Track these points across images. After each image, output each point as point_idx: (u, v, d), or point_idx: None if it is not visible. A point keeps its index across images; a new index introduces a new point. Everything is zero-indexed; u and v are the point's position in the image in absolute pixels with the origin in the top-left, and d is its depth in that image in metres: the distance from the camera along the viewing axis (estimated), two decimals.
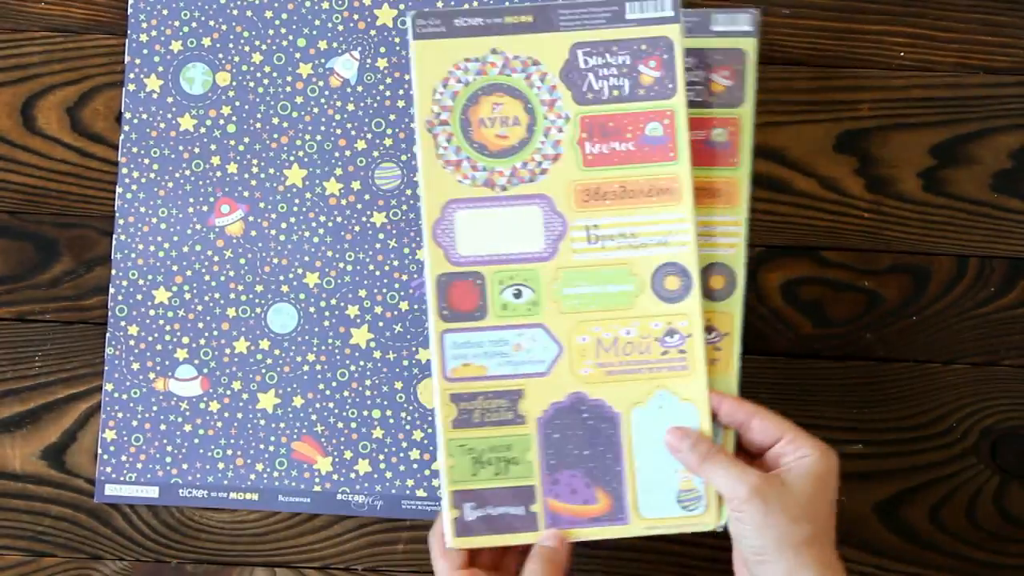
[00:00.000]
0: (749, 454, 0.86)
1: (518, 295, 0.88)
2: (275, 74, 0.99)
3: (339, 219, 0.98)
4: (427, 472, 0.96)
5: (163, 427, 0.97)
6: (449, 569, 0.86)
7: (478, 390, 0.88)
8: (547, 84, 0.88)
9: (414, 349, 0.96)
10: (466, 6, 0.99)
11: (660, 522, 0.88)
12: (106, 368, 0.96)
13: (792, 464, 0.83)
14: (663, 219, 0.88)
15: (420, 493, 0.96)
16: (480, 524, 0.87)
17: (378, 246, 0.98)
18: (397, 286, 0.98)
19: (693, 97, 0.89)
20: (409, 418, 0.96)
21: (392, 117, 0.99)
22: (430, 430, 0.96)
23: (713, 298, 0.89)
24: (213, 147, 0.98)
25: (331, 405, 0.97)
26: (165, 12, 0.99)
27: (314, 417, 0.97)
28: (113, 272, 0.97)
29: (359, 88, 0.99)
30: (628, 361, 0.88)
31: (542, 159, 0.88)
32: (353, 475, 0.97)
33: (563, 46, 0.89)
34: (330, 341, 0.98)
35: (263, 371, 0.97)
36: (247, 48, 0.99)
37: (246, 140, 0.98)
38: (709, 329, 0.88)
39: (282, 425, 0.97)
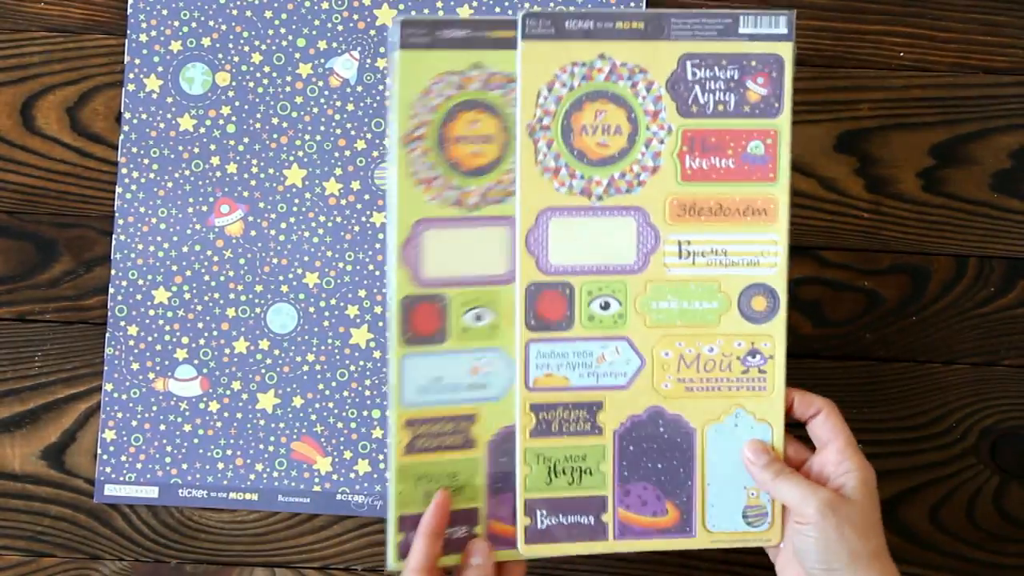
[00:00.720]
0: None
1: (606, 307, 0.87)
2: (275, 74, 0.99)
3: (339, 219, 0.98)
4: None
5: (163, 427, 0.97)
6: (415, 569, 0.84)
7: (559, 401, 0.87)
8: (652, 94, 0.87)
9: None
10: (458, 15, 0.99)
11: (726, 536, 0.88)
12: (106, 368, 0.96)
13: (845, 480, 0.83)
14: (756, 239, 0.87)
15: None
16: (551, 532, 0.87)
17: (378, 246, 0.98)
18: None
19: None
20: None
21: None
22: None
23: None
24: (213, 147, 0.98)
25: (331, 405, 0.97)
26: (165, 12, 0.99)
27: (314, 417, 0.97)
28: (113, 272, 0.97)
29: (359, 88, 0.99)
30: (708, 378, 0.88)
31: (641, 170, 0.87)
32: (353, 475, 0.97)
33: (672, 56, 0.86)
34: (330, 341, 0.98)
35: (263, 371, 0.97)
36: (247, 48, 0.99)
37: (245, 140, 0.98)
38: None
39: (282, 425, 0.97)
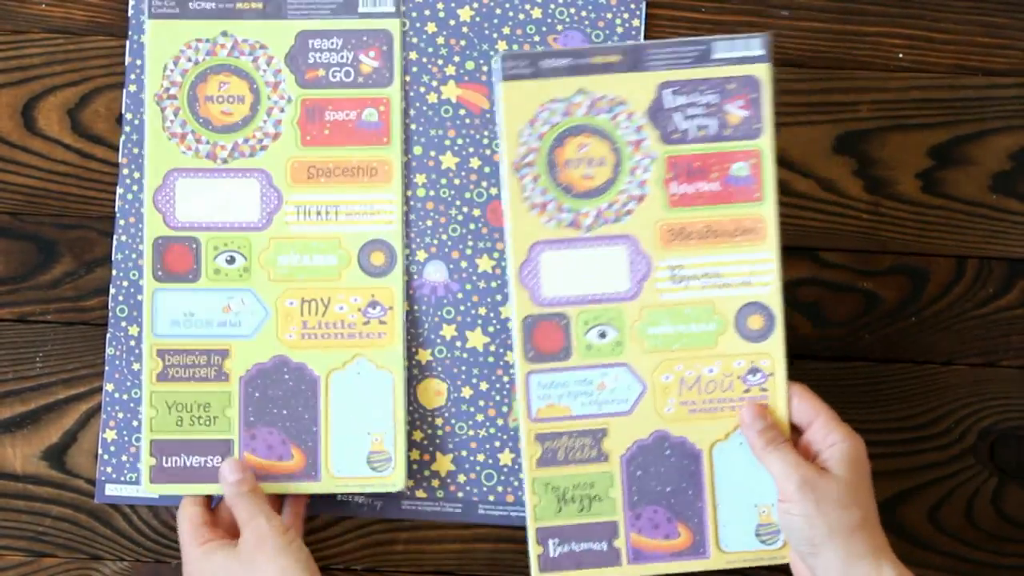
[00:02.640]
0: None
1: (603, 335, 0.89)
2: None
3: None
4: (426, 473, 0.96)
5: None
6: (196, 544, 0.88)
7: (563, 430, 0.89)
8: (634, 124, 0.89)
9: (414, 350, 0.96)
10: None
11: (740, 556, 0.89)
12: (106, 369, 0.97)
13: (828, 453, 0.84)
14: (748, 259, 0.89)
15: (420, 494, 0.96)
16: (564, 560, 0.89)
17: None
18: None
19: (342, 78, 0.92)
20: (409, 419, 0.96)
21: None
22: (429, 431, 0.96)
23: (373, 274, 0.91)
24: None
25: None
26: None
27: None
28: (114, 273, 0.97)
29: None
30: (710, 399, 0.89)
31: (627, 199, 0.89)
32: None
33: (650, 85, 0.89)
34: None
35: None
36: None
37: None
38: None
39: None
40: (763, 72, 0.88)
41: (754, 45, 0.89)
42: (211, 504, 0.92)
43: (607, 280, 0.89)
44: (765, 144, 0.89)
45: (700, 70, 0.88)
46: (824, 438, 0.85)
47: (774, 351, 0.89)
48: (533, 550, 0.89)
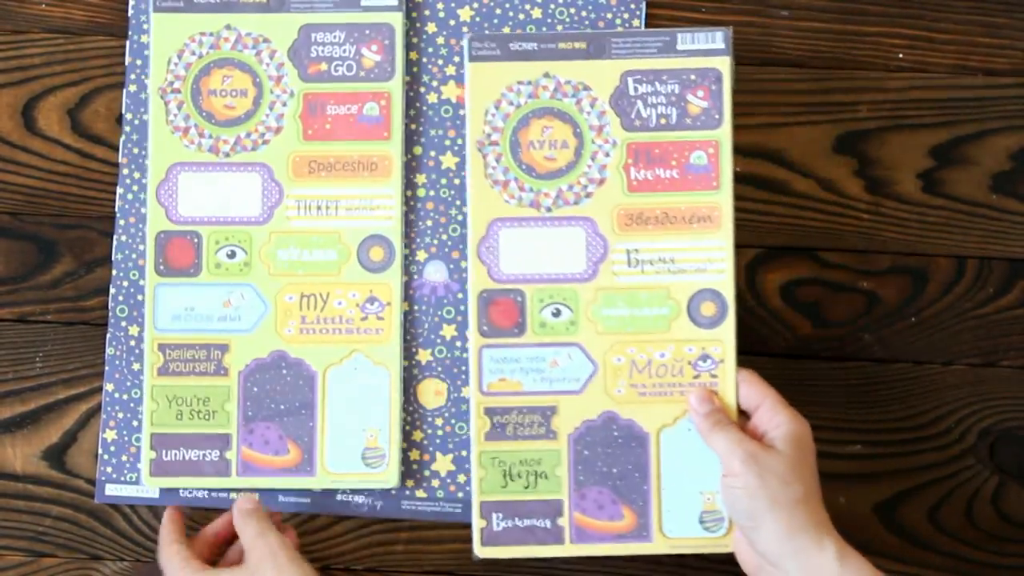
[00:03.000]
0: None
1: (557, 314, 0.90)
2: None
3: None
4: (426, 473, 0.96)
5: None
6: (191, 572, 0.87)
7: (513, 404, 0.90)
8: (597, 109, 0.91)
9: (414, 350, 0.96)
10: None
11: (683, 542, 0.90)
12: (106, 369, 0.97)
13: (774, 434, 0.85)
14: (702, 246, 0.90)
15: (420, 494, 0.96)
16: (507, 535, 0.90)
17: None
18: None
19: (344, 72, 0.93)
20: (409, 419, 0.96)
21: None
22: (429, 431, 0.96)
23: (372, 269, 0.92)
24: None
25: None
26: None
27: None
28: (114, 273, 0.97)
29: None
30: (661, 383, 0.90)
31: (588, 183, 0.91)
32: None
33: (614, 73, 0.91)
34: None
35: None
36: None
37: None
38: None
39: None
40: (724, 65, 0.90)
41: (717, 38, 0.91)
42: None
43: (564, 260, 0.91)
44: (723, 135, 0.90)
45: (664, 60, 0.91)
46: (770, 420, 0.86)
47: (725, 338, 0.90)
48: (476, 523, 0.90)
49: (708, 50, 0.90)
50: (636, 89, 0.91)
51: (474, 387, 0.91)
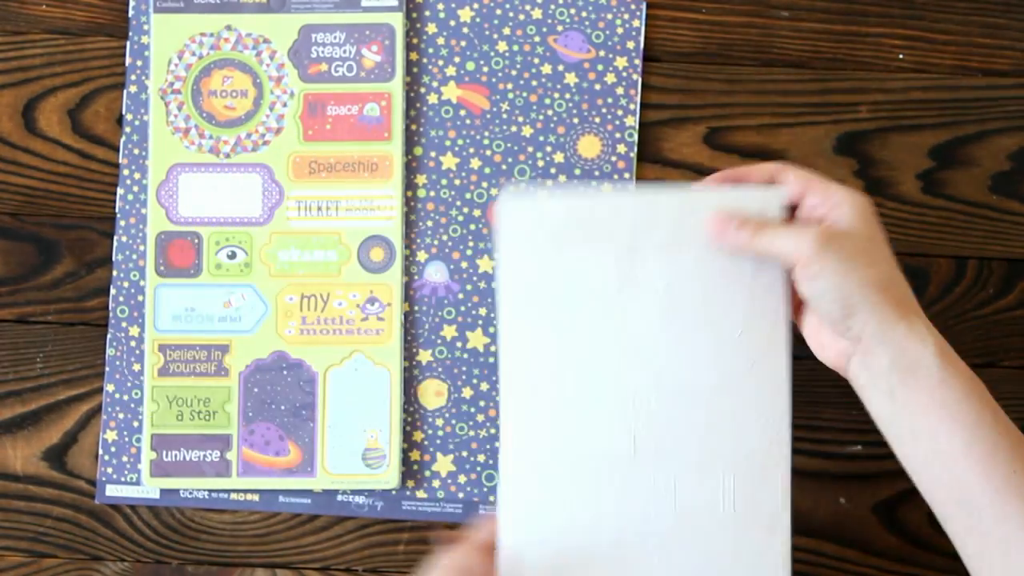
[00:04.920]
0: None
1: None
2: None
3: None
4: (427, 473, 0.96)
5: None
6: None
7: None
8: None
9: (415, 350, 0.96)
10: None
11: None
12: (107, 369, 0.97)
13: (838, 214, 0.77)
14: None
15: (420, 494, 0.96)
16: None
17: None
18: None
19: (345, 73, 0.96)
20: (409, 419, 0.96)
21: None
22: (430, 431, 0.96)
23: (372, 270, 0.95)
24: None
25: None
26: None
27: None
28: (114, 273, 0.97)
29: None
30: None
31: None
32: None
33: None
34: None
35: None
36: None
37: None
38: (372, 300, 0.94)
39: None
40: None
41: None
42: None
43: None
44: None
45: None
46: (824, 201, 0.78)
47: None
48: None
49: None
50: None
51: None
